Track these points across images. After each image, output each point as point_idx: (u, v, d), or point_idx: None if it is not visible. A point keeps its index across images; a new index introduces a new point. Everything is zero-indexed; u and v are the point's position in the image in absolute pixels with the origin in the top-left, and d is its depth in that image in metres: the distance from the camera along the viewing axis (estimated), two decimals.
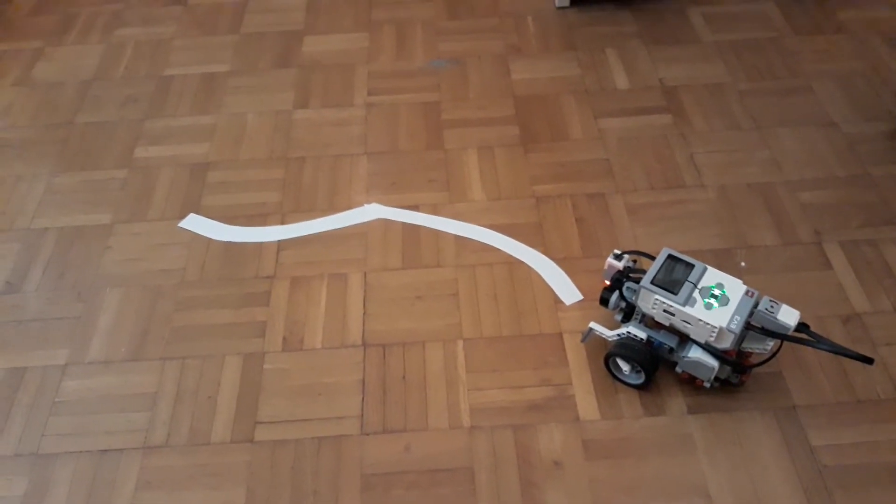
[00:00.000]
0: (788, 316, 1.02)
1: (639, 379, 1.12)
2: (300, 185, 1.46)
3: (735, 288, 1.05)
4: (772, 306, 1.02)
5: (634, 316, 1.13)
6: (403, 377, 1.17)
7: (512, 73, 1.68)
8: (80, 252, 1.37)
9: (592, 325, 1.14)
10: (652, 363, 1.09)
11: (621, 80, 1.64)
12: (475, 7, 1.86)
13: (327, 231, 1.38)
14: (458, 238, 1.36)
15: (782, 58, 1.67)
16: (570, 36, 1.76)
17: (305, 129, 1.57)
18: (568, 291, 1.26)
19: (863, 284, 1.25)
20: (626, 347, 1.09)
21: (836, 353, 1.01)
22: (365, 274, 1.31)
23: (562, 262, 1.30)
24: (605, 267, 1.14)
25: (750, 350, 1.06)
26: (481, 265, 1.31)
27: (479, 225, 1.37)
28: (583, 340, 1.18)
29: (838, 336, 1.19)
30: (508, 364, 1.18)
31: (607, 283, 1.14)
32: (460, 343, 1.21)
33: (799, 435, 1.08)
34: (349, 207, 1.42)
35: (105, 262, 1.35)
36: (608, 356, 1.13)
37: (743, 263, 1.29)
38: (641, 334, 1.10)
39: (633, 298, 1.09)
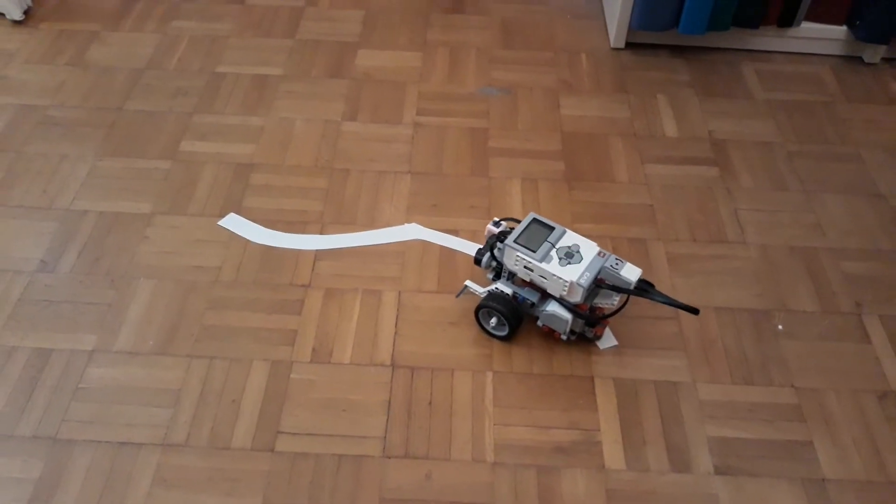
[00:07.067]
0: (630, 272, 1.13)
1: (503, 331, 1.22)
2: (342, 197, 1.46)
3: (589, 249, 1.16)
4: (616, 263, 1.14)
5: (503, 274, 1.22)
6: (430, 403, 1.16)
7: (562, 108, 1.68)
8: (117, 239, 1.37)
9: (468, 282, 1.24)
10: (515, 316, 1.19)
11: (670, 128, 1.64)
12: (531, 39, 1.87)
13: (365, 246, 1.38)
14: None
15: (833, 123, 1.67)
16: (622, 77, 1.76)
17: (352, 141, 1.57)
18: (604, 336, 1.24)
19: None
20: (494, 301, 1.19)
21: (668, 304, 1.13)
22: (399, 293, 1.30)
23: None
24: (486, 233, 1.24)
25: (601, 306, 1.17)
26: None
27: None
28: (457, 296, 1.28)
29: (872, 412, 1.17)
30: (537, 402, 1.17)
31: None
32: (490, 375, 1.20)
33: None
34: (389, 224, 1.42)
35: (141, 252, 1.35)
36: (478, 308, 1.23)
37: (780, 327, 1.28)
38: (508, 290, 1.21)
39: (501, 257, 1.20)
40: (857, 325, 1.29)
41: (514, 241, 1.16)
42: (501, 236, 1.20)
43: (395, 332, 1.25)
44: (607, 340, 1.24)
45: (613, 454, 1.11)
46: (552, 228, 1.18)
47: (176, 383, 1.17)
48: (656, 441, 1.12)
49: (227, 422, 1.13)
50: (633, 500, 1.06)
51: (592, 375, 1.20)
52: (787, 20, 1.78)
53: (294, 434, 1.12)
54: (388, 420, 1.14)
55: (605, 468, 1.09)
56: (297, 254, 1.36)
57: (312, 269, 1.33)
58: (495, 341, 1.24)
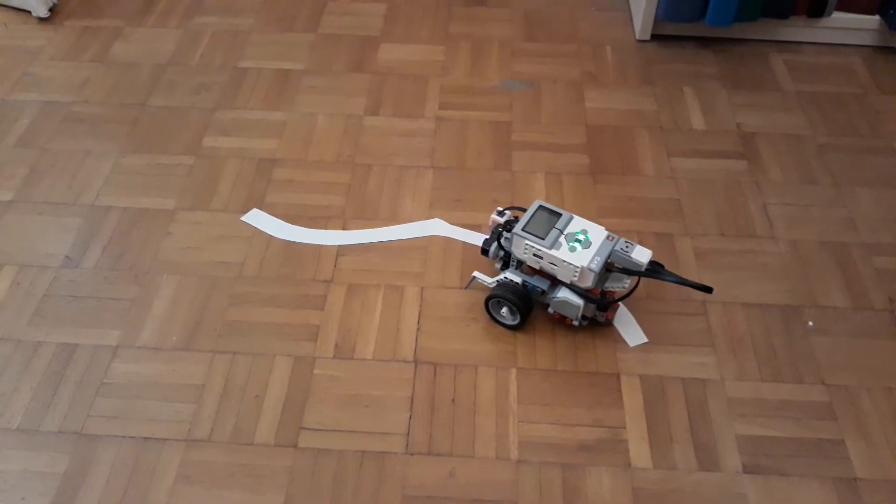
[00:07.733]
0: (641, 255, 1.12)
1: (514, 320, 1.22)
2: (365, 192, 1.45)
3: (597, 233, 1.15)
4: (627, 246, 1.13)
5: (511, 263, 1.22)
6: (453, 400, 1.15)
7: (586, 100, 1.66)
8: (141, 235, 1.37)
9: (476, 273, 1.24)
10: (525, 304, 1.19)
11: (697, 121, 1.61)
12: (554, 31, 1.84)
13: (388, 241, 1.37)
14: None
15: (865, 115, 1.63)
16: (648, 70, 1.74)
17: (374, 136, 1.56)
18: (633, 332, 1.23)
19: None
20: (504, 290, 1.18)
21: (680, 283, 1.12)
22: (422, 289, 1.29)
23: (625, 300, 1.27)
24: (490, 223, 1.24)
25: (612, 289, 1.17)
26: None
27: None
28: (465, 288, 1.27)
29: None
30: (561, 399, 1.15)
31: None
32: (513, 371, 1.18)
33: None
34: (411, 219, 1.41)
35: (164, 248, 1.35)
36: (488, 298, 1.22)
37: (811, 323, 1.25)
38: (517, 279, 1.20)
39: (509, 246, 1.19)
40: (890, 321, 1.26)
41: (522, 230, 1.15)
42: (507, 225, 1.20)
43: (418, 328, 1.24)
44: (637, 338, 1.22)
45: (640, 452, 1.09)
46: (559, 215, 1.17)
47: (199, 379, 1.17)
48: (684, 439, 1.11)
49: (250, 417, 1.13)
50: (660, 499, 1.04)
51: (618, 372, 1.18)
52: (817, 10, 1.74)
53: (317, 430, 1.11)
54: (410, 416, 1.13)
55: (630, 466, 1.08)
56: (319, 249, 1.35)
57: (335, 265, 1.33)
58: (518, 337, 1.22)
